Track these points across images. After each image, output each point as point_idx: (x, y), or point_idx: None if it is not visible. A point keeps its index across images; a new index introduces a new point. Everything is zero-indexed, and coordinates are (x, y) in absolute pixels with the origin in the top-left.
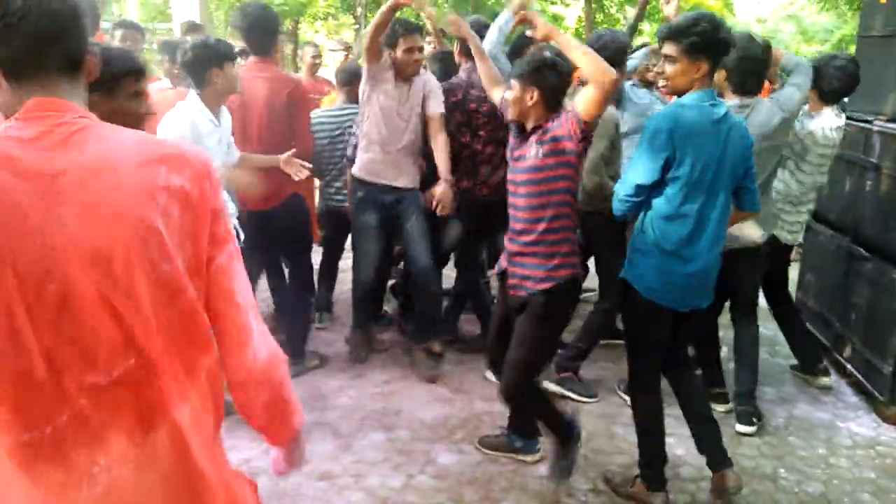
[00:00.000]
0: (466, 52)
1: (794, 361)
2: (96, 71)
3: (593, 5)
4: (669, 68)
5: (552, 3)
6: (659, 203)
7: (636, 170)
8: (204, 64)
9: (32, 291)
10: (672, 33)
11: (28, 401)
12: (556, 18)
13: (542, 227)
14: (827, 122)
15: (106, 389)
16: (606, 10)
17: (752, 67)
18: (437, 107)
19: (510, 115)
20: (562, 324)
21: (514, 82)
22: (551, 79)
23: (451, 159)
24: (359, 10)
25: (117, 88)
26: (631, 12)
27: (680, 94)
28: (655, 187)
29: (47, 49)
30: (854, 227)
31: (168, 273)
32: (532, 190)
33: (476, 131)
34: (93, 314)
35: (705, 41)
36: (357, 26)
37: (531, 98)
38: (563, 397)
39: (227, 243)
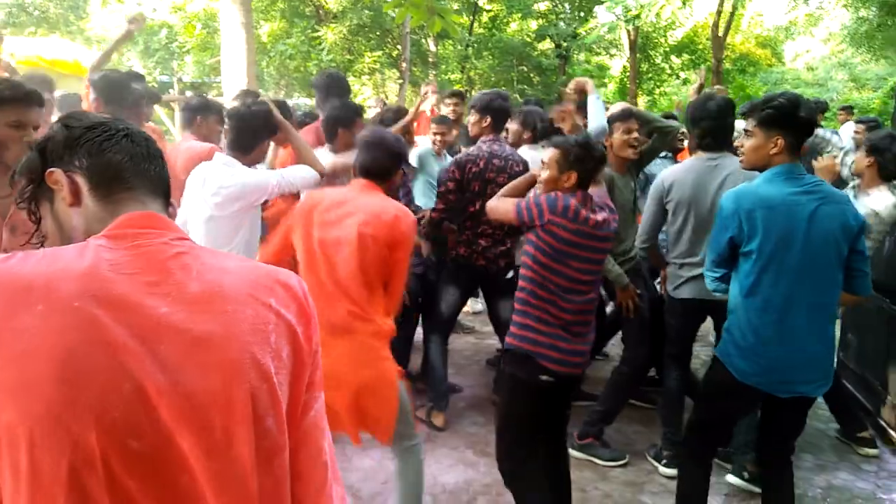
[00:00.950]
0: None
1: (835, 425)
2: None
3: (638, 55)
4: (746, 143)
5: (597, 53)
6: (736, 279)
7: (711, 245)
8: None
9: (113, 448)
10: (750, 108)
11: None
12: (601, 68)
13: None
14: (889, 200)
15: None
16: (652, 60)
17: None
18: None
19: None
20: (517, 403)
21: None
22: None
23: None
24: (403, 65)
25: None
26: (676, 62)
27: (757, 168)
28: (734, 264)
29: (146, 166)
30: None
31: (271, 429)
32: None
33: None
34: (178, 480)
35: (780, 115)
36: (401, 80)
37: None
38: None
39: (321, 389)
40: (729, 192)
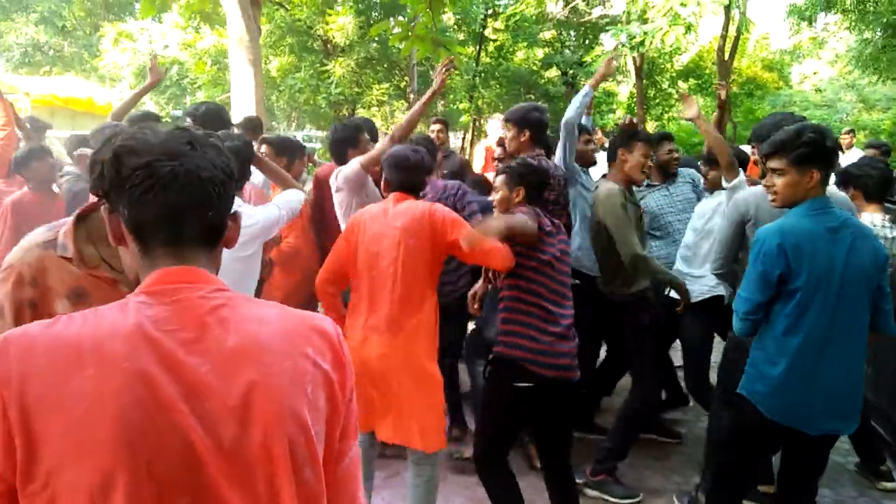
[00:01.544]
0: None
1: (854, 459)
2: (236, 238)
3: (644, 81)
4: (779, 181)
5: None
6: (775, 318)
7: (752, 287)
8: None
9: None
10: (778, 147)
11: None
12: (608, 94)
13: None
14: (878, 219)
15: None
16: (659, 86)
17: None
18: None
19: None
20: (497, 401)
21: None
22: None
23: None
24: (411, 96)
25: None
26: (683, 86)
27: (792, 205)
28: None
29: (186, 219)
30: None
31: (310, 480)
32: None
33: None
34: None
35: (814, 150)
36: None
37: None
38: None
39: (356, 438)
40: (769, 227)
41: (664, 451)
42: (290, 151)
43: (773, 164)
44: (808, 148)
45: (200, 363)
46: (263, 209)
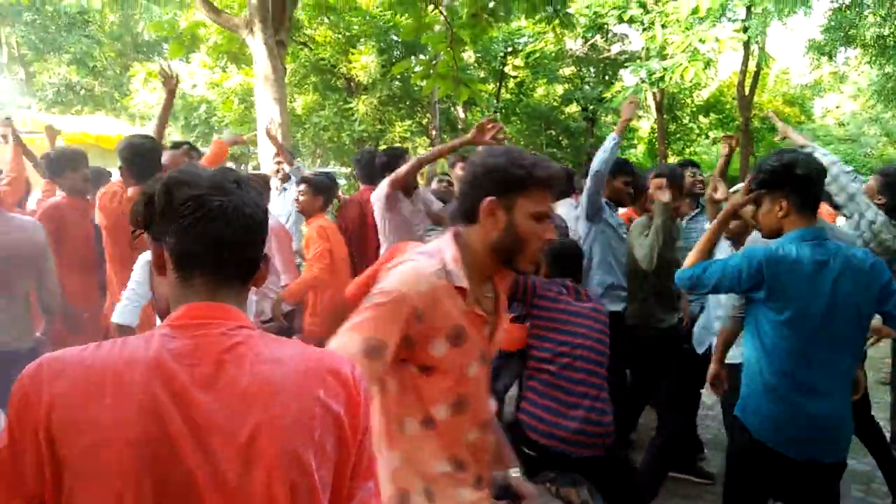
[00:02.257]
0: None
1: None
2: (265, 279)
3: (665, 116)
4: (758, 212)
5: None
6: (756, 336)
7: (717, 266)
8: None
9: None
10: (752, 177)
11: None
12: (630, 130)
13: None
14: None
15: None
16: (680, 121)
17: None
18: None
19: None
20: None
21: None
22: None
23: None
24: (433, 132)
25: None
26: (704, 121)
27: (775, 235)
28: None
29: (226, 254)
30: None
31: None
32: None
33: None
34: None
35: (775, 177)
36: (432, 148)
37: None
38: None
39: (371, 478)
40: (759, 246)
41: (696, 491)
42: (327, 192)
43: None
44: (769, 175)
45: (212, 400)
46: None
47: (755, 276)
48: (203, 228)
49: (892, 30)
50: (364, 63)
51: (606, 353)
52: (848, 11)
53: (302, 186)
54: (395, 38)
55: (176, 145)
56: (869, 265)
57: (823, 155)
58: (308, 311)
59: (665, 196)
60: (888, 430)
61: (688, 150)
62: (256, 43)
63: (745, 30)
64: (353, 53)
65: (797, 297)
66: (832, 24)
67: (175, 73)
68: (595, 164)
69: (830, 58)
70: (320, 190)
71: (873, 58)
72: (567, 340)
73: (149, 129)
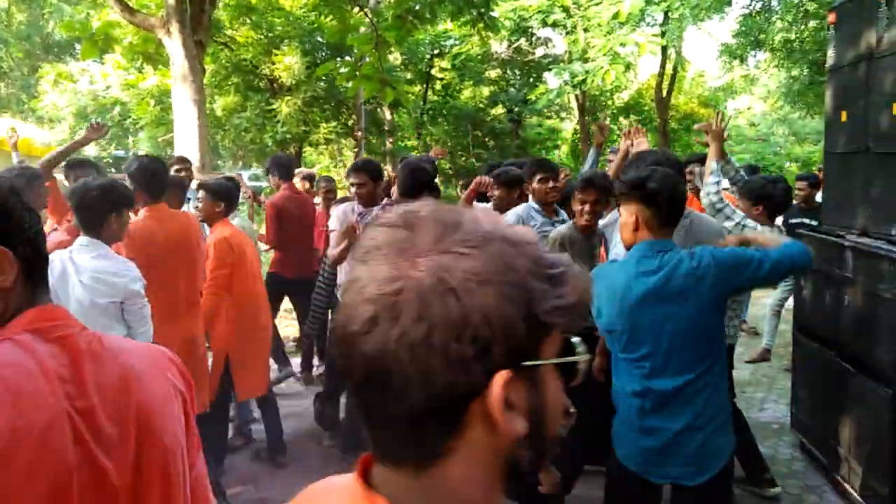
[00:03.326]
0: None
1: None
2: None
3: (587, 118)
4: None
5: (548, 117)
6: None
7: None
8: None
9: None
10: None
11: None
12: (553, 131)
13: None
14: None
15: None
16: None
17: None
18: None
19: None
20: None
21: None
22: None
23: None
24: (359, 134)
25: None
26: (624, 122)
27: (629, 249)
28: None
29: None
30: (838, 341)
31: (188, 488)
32: None
33: None
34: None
35: (628, 188)
36: (357, 149)
37: None
38: None
39: (200, 448)
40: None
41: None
42: (228, 197)
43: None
44: (623, 185)
45: (94, 395)
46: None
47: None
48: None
49: (798, 35)
50: (287, 64)
51: None
52: (758, 17)
53: (201, 193)
54: (319, 39)
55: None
56: (696, 264)
57: (714, 183)
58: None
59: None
60: (789, 416)
61: (608, 150)
62: (174, 43)
63: (663, 34)
64: (276, 54)
65: (614, 316)
66: (743, 29)
67: (106, 129)
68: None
69: (742, 61)
70: (220, 196)
71: (781, 61)
72: None
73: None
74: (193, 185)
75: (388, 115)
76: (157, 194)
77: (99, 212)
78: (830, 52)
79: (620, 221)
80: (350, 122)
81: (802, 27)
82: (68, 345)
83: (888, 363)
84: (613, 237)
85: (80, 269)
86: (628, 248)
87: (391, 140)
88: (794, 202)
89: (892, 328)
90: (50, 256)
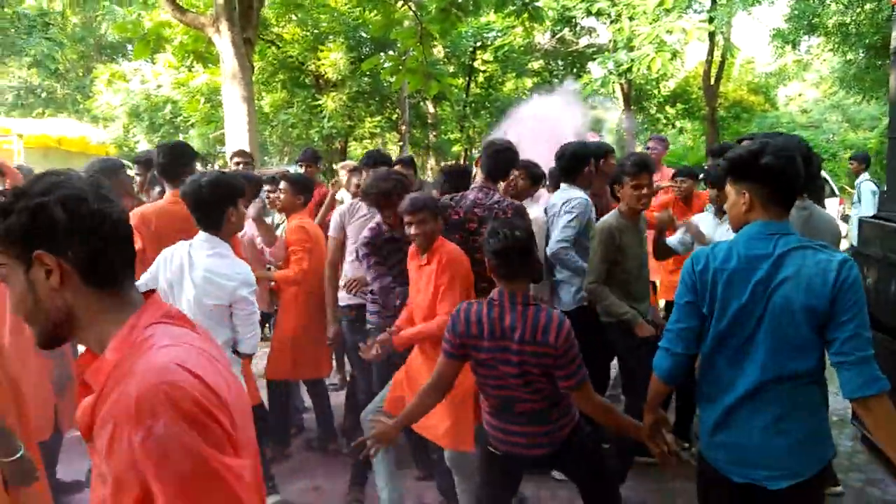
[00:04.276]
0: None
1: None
2: None
3: (633, 107)
4: (726, 204)
5: (593, 107)
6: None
7: (674, 311)
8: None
9: None
10: (722, 164)
11: None
12: (596, 121)
13: None
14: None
15: None
16: (648, 111)
17: None
18: None
19: None
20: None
21: None
22: None
23: None
24: (403, 128)
25: None
26: (671, 111)
27: (739, 229)
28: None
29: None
30: None
31: None
32: None
33: (474, 253)
34: None
35: (738, 166)
36: (402, 143)
37: None
38: None
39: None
40: (698, 250)
41: (667, 475)
42: (307, 190)
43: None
44: (731, 164)
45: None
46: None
47: (690, 288)
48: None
49: (854, 17)
50: (333, 60)
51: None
52: (811, 0)
53: (282, 184)
54: (363, 34)
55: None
56: (827, 264)
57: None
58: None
59: None
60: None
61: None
62: (223, 41)
63: (711, 20)
64: (321, 50)
65: (728, 301)
66: (795, 12)
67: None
68: None
69: (794, 46)
70: (300, 188)
71: (836, 45)
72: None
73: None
74: None
75: (431, 109)
76: (178, 179)
77: (216, 207)
78: (895, 34)
79: (728, 202)
80: (394, 117)
81: (859, 10)
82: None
83: None
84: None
85: (195, 265)
86: (737, 230)
87: (434, 133)
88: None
89: None
90: (171, 249)
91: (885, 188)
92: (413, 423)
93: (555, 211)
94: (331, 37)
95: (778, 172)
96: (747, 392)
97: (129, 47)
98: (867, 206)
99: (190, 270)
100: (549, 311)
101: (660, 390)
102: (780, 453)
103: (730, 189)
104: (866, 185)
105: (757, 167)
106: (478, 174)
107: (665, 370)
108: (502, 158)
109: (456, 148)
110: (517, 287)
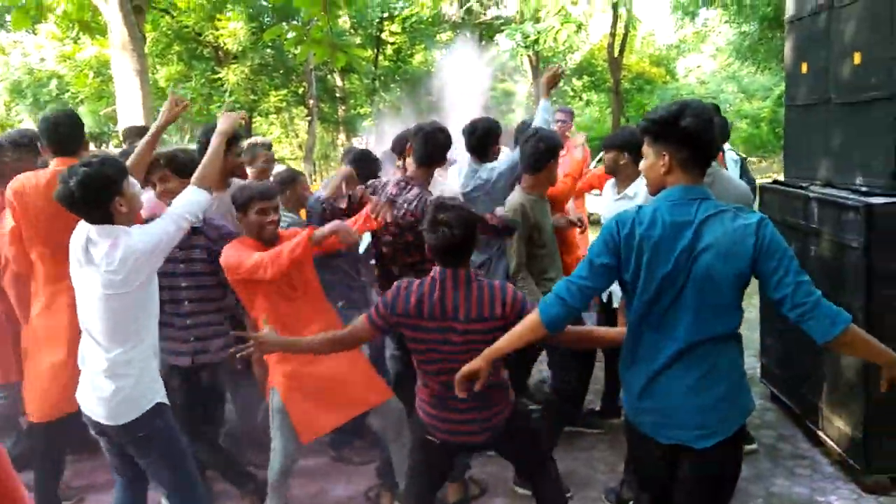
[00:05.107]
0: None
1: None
2: None
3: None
4: (642, 164)
5: (502, 80)
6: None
7: (581, 265)
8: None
9: None
10: (641, 128)
11: None
12: (507, 94)
13: None
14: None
15: None
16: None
17: None
18: None
19: None
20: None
21: None
22: None
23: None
24: (310, 101)
25: None
26: (578, 83)
27: (657, 192)
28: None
29: None
30: None
31: None
32: None
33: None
34: None
35: (659, 127)
36: (310, 117)
37: None
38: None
39: None
40: (618, 214)
41: (590, 443)
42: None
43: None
44: (651, 124)
45: None
46: (149, 229)
47: (607, 249)
48: None
49: None
50: (232, 30)
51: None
52: None
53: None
54: (264, 2)
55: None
56: (745, 229)
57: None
58: None
59: None
60: (758, 368)
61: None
62: (110, 9)
63: None
64: (219, 20)
65: (653, 264)
66: None
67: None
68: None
69: (693, 18)
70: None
71: (732, 17)
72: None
73: None
74: None
75: (339, 82)
76: (64, 149)
77: (96, 206)
78: (790, 3)
79: (645, 163)
80: (301, 91)
81: None
82: None
83: (856, 309)
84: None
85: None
86: (654, 193)
87: (344, 108)
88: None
89: (858, 275)
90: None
91: (783, 156)
92: (292, 352)
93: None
94: (229, 5)
95: (698, 134)
96: (671, 356)
97: (8, 18)
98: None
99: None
100: (490, 284)
101: (535, 335)
102: (706, 411)
103: (647, 150)
104: (728, 155)
105: (677, 128)
106: (406, 162)
107: (553, 318)
108: (433, 142)
109: (367, 123)
110: (460, 267)
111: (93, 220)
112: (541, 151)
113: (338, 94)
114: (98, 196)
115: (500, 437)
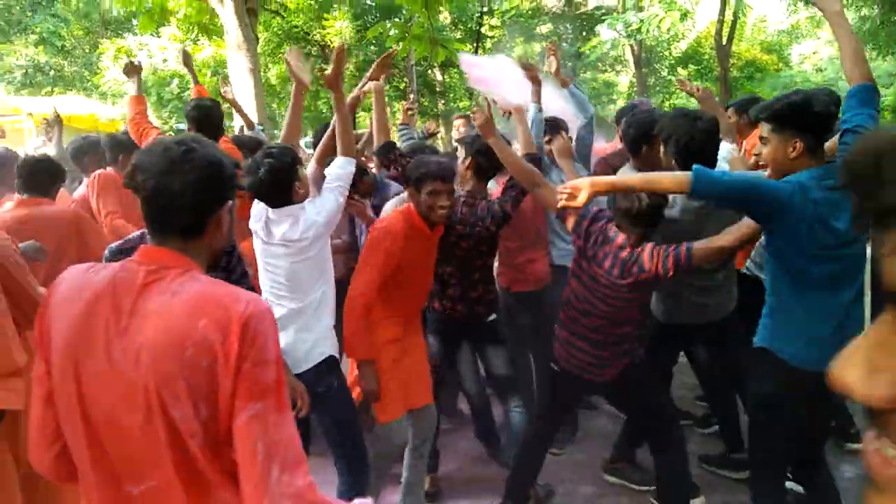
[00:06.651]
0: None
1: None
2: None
3: (644, 69)
4: (764, 150)
5: (603, 70)
6: (805, 279)
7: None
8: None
9: (85, 406)
10: (761, 112)
11: None
12: (608, 85)
13: None
14: None
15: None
16: (659, 73)
17: None
18: None
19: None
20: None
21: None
22: None
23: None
24: (411, 96)
25: None
26: (683, 73)
27: (781, 177)
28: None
29: (163, 216)
30: None
31: (178, 419)
32: None
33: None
34: (121, 437)
35: (791, 113)
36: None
37: None
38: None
39: (258, 400)
40: (796, 179)
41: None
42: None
43: (761, 132)
44: (786, 109)
45: (125, 317)
46: (321, 203)
47: (788, 205)
48: (146, 202)
49: None
50: (338, 28)
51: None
52: None
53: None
54: (369, 2)
55: None
56: None
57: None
58: None
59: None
60: None
61: (667, 103)
62: (227, 12)
63: None
64: (326, 19)
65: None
66: None
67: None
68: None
69: (807, 3)
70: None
71: (850, 1)
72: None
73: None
74: None
75: (439, 77)
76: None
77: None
78: None
79: (769, 149)
80: (402, 85)
81: None
82: (131, 275)
83: None
84: None
85: None
86: (779, 177)
87: (443, 102)
88: None
89: None
90: None
91: None
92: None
93: None
94: (335, 5)
95: (828, 121)
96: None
97: (135, 22)
98: None
99: None
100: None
101: (678, 188)
102: None
103: (770, 136)
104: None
105: (811, 115)
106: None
107: (703, 176)
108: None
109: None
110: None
111: (277, 204)
112: (631, 137)
113: (437, 89)
114: (283, 183)
115: (618, 382)
